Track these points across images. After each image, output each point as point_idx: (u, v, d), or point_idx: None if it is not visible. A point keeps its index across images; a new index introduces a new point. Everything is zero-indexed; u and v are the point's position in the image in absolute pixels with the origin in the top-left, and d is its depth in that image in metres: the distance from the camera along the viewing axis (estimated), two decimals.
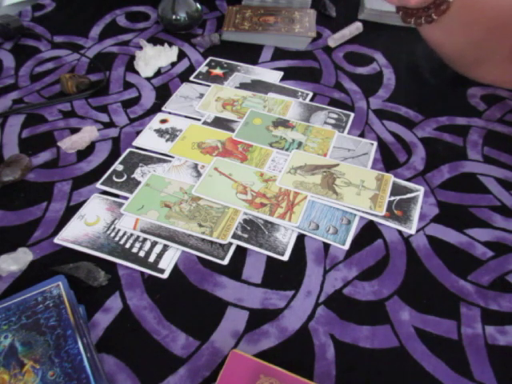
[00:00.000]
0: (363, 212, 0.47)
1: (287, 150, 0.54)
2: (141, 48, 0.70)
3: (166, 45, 0.70)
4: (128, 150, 0.54)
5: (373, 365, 0.37)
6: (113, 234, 0.45)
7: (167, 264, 0.42)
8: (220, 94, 0.63)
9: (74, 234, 0.45)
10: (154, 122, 0.58)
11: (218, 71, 0.68)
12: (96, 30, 0.76)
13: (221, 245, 0.44)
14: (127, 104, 0.61)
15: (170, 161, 0.53)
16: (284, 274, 0.42)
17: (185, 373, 0.36)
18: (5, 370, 0.33)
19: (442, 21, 0.54)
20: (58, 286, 0.38)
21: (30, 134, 0.56)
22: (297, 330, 0.38)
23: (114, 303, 0.40)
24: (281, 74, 0.67)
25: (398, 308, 0.40)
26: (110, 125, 0.58)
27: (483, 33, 0.55)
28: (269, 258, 0.44)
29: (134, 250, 0.43)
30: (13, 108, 0.60)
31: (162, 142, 0.55)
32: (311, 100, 0.63)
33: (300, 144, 0.55)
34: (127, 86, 0.64)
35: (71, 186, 0.50)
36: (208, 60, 0.70)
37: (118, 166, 0.52)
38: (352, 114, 0.60)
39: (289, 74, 0.67)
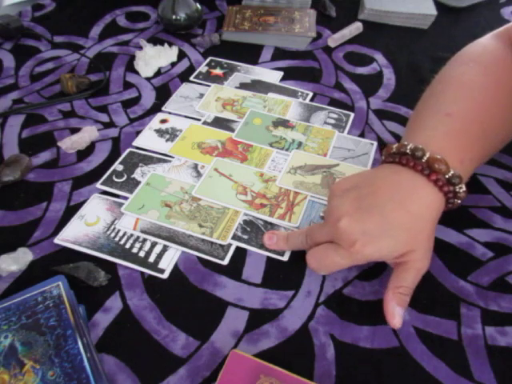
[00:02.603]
0: None
1: (287, 150, 0.54)
2: (141, 48, 0.70)
3: (165, 45, 0.70)
4: (128, 150, 0.54)
5: (373, 365, 0.37)
6: (113, 235, 0.45)
7: (167, 264, 0.42)
8: (220, 93, 0.63)
9: (74, 234, 0.45)
10: (154, 122, 0.58)
11: (218, 71, 0.67)
12: (96, 30, 0.76)
13: (221, 245, 0.44)
14: (127, 104, 0.61)
15: (170, 161, 0.53)
16: (284, 274, 0.42)
17: (185, 373, 0.36)
18: (5, 369, 0.33)
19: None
20: (57, 286, 0.38)
21: (30, 134, 0.56)
22: (297, 330, 0.38)
23: (114, 303, 0.40)
24: (281, 74, 0.67)
25: None
26: (109, 125, 0.58)
27: None
28: (269, 257, 0.44)
29: (134, 250, 0.43)
30: (13, 108, 0.60)
31: (162, 142, 0.55)
32: (311, 100, 0.63)
33: (300, 144, 0.55)
34: (127, 86, 0.64)
35: (71, 186, 0.50)
36: (208, 60, 0.70)
37: (117, 166, 0.52)
38: (352, 114, 0.60)
39: (289, 74, 0.67)
